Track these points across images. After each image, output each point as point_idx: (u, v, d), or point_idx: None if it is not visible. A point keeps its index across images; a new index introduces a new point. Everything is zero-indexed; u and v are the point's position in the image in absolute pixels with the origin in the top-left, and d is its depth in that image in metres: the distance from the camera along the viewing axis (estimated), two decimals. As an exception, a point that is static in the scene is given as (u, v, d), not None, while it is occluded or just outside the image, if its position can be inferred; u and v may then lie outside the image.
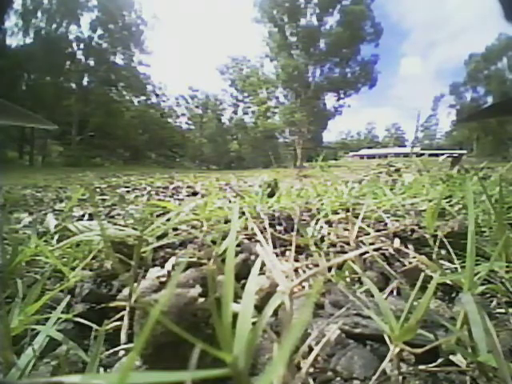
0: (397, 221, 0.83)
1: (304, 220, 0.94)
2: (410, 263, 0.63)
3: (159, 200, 2.69)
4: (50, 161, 21.98)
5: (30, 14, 16.67)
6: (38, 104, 18.04)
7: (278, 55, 29.57)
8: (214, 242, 0.80)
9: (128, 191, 4.66)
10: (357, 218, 0.75)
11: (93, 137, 23.85)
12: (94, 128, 23.10)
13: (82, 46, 20.86)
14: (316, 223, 0.83)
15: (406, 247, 0.69)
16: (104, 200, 3.29)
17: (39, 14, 17.25)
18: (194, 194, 3.93)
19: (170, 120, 33.11)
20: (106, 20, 21.16)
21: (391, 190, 1.18)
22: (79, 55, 21.20)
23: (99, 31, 21.33)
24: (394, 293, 0.60)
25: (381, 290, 0.59)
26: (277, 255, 0.70)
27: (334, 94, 28.40)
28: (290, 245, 0.74)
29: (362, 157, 42.27)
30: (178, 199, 3.05)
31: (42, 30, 17.71)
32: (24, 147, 21.89)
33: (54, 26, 18.59)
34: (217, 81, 63.17)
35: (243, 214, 0.97)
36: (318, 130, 29.56)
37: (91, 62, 21.72)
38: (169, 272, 0.70)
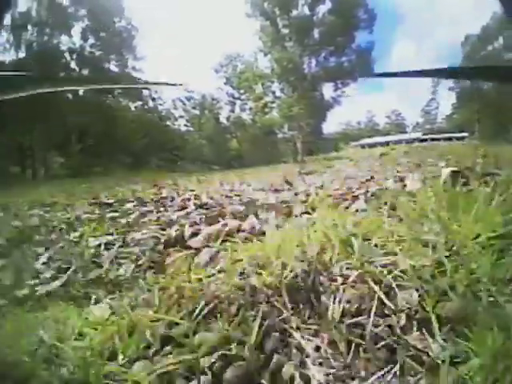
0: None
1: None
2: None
3: (171, 222, 2.70)
4: (52, 173, 22.17)
5: (19, 28, 16.62)
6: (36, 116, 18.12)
7: (271, 49, 29.20)
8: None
9: (135, 205, 4.72)
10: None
11: (93, 146, 24.01)
12: (94, 137, 23.21)
13: (74, 56, 20.83)
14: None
15: (411, 324, 0.72)
16: (115, 219, 3.33)
17: (29, 28, 17.26)
18: (201, 206, 3.98)
19: (168, 123, 33.15)
20: (97, 28, 21.08)
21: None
22: (73, 65, 21.23)
23: (91, 40, 21.30)
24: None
25: (387, 363, 0.63)
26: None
27: (331, 85, 28.01)
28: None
29: (363, 146, 41.74)
30: (188, 215, 3.08)
31: (33, 44, 17.70)
32: (26, 160, 22.07)
33: (46, 38, 18.57)
34: (212, 80, 62.70)
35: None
36: (317, 123, 29.30)
37: (85, 72, 21.72)
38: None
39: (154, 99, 31.20)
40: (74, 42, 20.65)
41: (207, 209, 3.54)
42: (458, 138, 37.99)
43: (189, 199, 4.47)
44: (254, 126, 32.41)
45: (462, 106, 30.24)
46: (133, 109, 29.63)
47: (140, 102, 29.97)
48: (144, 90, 29.58)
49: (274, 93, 32.72)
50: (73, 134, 22.22)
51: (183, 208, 3.85)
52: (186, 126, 35.48)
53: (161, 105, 33.18)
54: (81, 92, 23.27)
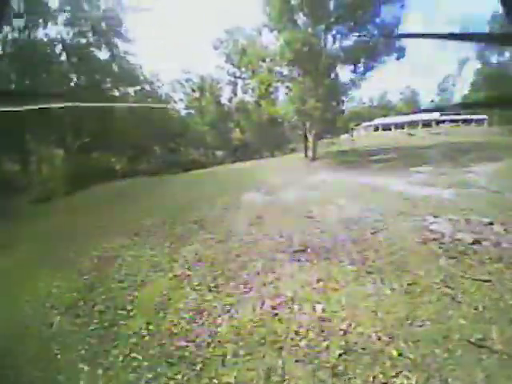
0: None
1: None
2: None
3: None
4: (52, 172, 21.30)
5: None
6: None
7: (278, 25, 25.64)
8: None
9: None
10: None
11: (92, 140, 22.89)
12: (93, 130, 21.94)
13: (61, 47, 18.76)
14: None
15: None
16: None
17: (7, 29, 15.20)
18: None
19: (168, 106, 31.15)
20: (83, 16, 18.69)
21: None
22: (62, 57, 19.29)
23: (77, 28, 18.94)
24: None
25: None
26: None
27: (351, 68, 24.19)
28: None
29: (376, 128, 38.96)
30: None
31: (17, 41, 15.84)
32: (26, 157, 21.16)
33: (27, 33, 16.51)
34: (211, 58, 56.30)
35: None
36: (332, 113, 26.47)
37: (75, 63, 19.73)
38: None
39: (151, 83, 28.87)
40: (60, 32, 18.44)
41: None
42: (476, 121, 35.09)
43: None
44: (258, 111, 30.05)
45: (481, 89, 27.07)
46: (133, 94, 27.68)
47: (138, 87, 27.83)
48: (139, 75, 27.30)
49: (281, 73, 29.66)
50: (68, 131, 21.07)
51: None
52: (186, 109, 33.32)
53: (159, 87, 30.93)
54: (73, 84, 21.49)
